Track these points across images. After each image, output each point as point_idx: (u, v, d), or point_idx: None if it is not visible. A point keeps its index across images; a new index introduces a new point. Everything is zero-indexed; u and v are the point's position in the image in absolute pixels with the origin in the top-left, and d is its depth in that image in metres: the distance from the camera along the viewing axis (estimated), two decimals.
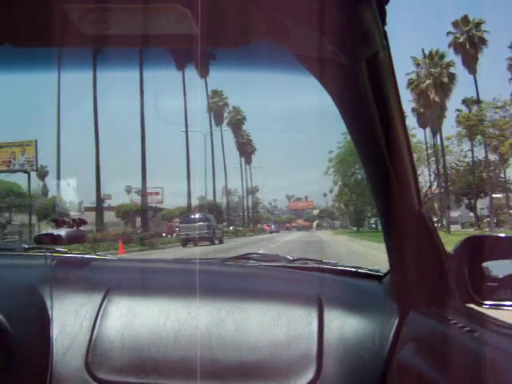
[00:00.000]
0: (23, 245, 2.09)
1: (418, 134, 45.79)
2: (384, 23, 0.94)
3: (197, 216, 30.86)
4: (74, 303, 1.53)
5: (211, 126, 55.99)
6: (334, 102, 1.17)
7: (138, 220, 40.05)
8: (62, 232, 1.81)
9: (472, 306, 1.32)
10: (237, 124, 67.94)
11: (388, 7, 0.91)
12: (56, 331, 1.47)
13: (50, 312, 1.49)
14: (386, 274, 1.67)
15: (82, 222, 1.92)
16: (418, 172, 45.01)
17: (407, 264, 1.38)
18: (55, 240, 1.82)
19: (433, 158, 46.26)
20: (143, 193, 41.05)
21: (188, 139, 45.43)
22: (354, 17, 0.90)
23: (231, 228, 54.60)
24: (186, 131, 45.29)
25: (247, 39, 0.95)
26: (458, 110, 45.28)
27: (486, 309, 1.30)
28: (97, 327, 1.48)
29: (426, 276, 1.35)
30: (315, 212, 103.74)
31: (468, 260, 1.34)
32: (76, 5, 0.89)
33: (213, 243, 27.58)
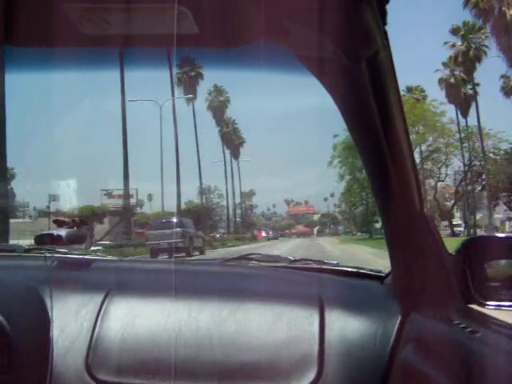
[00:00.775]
0: (23, 245, 2.09)
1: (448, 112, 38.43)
2: (384, 23, 0.93)
3: (169, 221, 25.77)
4: (75, 304, 1.53)
5: (174, 94, 45.04)
6: (335, 102, 1.16)
7: (103, 226, 34.11)
8: (62, 232, 1.81)
9: (474, 306, 1.31)
10: (219, 108, 57.12)
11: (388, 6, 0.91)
12: (56, 332, 1.46)
13: (50, 313, 1.49)
14: (387, 275, 1.66)
15: (83, 222, 1.92)
16: (447, 163, 39.51)
17: (409, 264, 1.38)
18: (55, 240, 1.82)
19: (466, 144, 38.97)
20: (110, 195, 37.04)
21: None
22: (355, 16, 0.89)
23: (211, 235, 46.39)
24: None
25: (247, 39, 0.95)
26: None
27: (488, 309, 1.29)
28: (97, 328, 1.47)
29: (427, 276, 1.35)
30: (316, 217, 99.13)
31: (470, 260, 1.34)
32: (76, 5, 0.89)
33: (189, 254, 21.87)
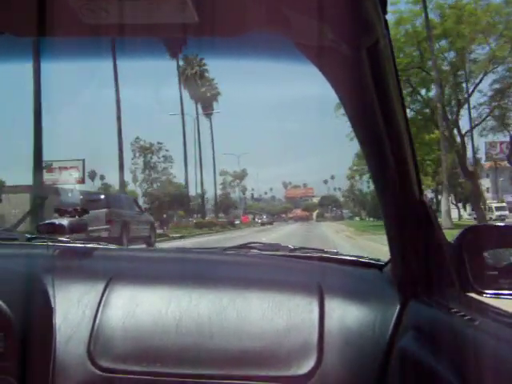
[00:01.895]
0: (26, 234, 2.10)
1: None
2: (385, 12, 0.93)
3: (96, 199, 17.88)
4: (77, 292, 1.54)
5: None
6: (335, 91, 1.16)
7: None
8: (64, 221, 1.81)
9: (472, 294, 1.32)
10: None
11: None
12: (58, 320, 1.48)
13: (52, 301, 1.50)
14: (386, 263, 1.67)
15: (84, 211, 1.93)
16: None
17: (408, 253, 1.39)
18: (57, 229, 1.82)
19: None
20: (49, 169, 27.67)
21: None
22: (355, 5, 0.89)
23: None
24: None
25: (247, 28, 0.95)
26: None
27: (487, 298, 1.30)
28: (99, 316, 1.49)
29: (426, 265, 1.36)
30: (315, 200, 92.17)
31: (468, 249, 1.35)
32: None
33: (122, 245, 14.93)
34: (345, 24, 0.95)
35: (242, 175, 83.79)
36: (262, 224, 59.03)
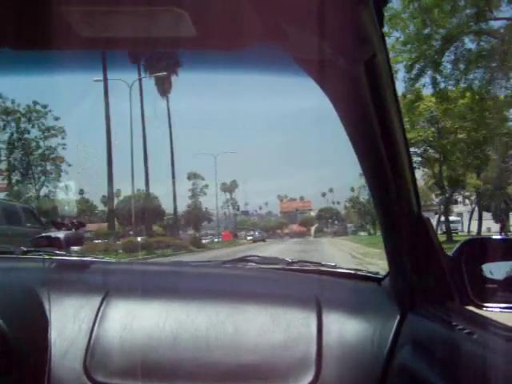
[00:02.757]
0: (21, 247, 2.09)
1: None
2: (381, 26, 0.94)
3: None
4: (73, 306, 1.53)
5: None
6: (333, 105, 1.17)
7: None
8: (61, 234, 1.81)
9: (471, 308, 1.32)
10: None
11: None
12: (54, 334, 1.46)
13: (48, 315, 1.49)
14: (385, 277, 1.67)
15: (81, 224, 1.92)
16: None
17: (406, 266, 1.38)
18: (53, 242, 1.81)
19: None
20: None
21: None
22: (352, 19, 0.90)
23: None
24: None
25: (245, 42, 0.95)
26: None
27: (486, 311, 1.30)
28: (95, 330, 1.47)
29: (425, 278, 1.35)
30: (313, 213, 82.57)
31: (467, 262, 1.34)
32: (74, 8, 0.89)
33: None
34: (342, 38, 0.95)
35: (231, 187, 77.01)
36: (254, 241, 52.63)
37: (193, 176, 61.38)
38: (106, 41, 0.98)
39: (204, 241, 43.77)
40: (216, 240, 51.77)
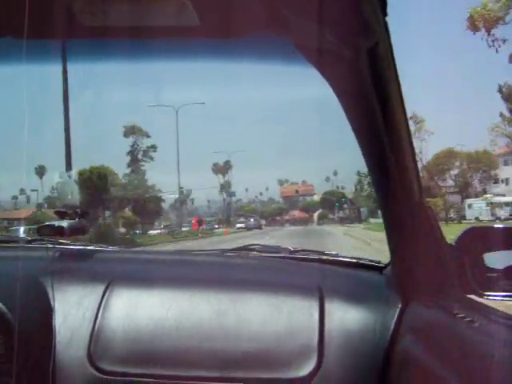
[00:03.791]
0: (26, 237, 2.10)
1: None
2: (385, 14, 0.93)
3: None
4: (77, 294, 1.54)
5: None
6: (335, 93, 1.16)
7: None
8: (64, 223, 1.81)
9: (473, 296, 1.32)
10: None
11: None
12: (58, 322, 1.47)
13: (52, 303, 1.50)
14: (386, 265, 1.67)
15: (84, 213, 1.93)
16: None
17: (408, 254, 1.39)
18: (57, 232, 1.82)
19: None
20: None
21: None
22: (355, 7, 0.89)
23: None
24: None
25: (247, 30, 0.95)
26: None
27: (487, 299, 1.30)
28: (99, 318, 1.48)
29: (426, 267, 1.36)
30: (316, 198, 71.37)
31: (469, 251, 1.35)
32: None
33: None
34: (344, 26, 0.95)
35: (224, 169, 63.72)
36: (248, 229, 47.00)
37: (130, 130, 39.31)
38: (108, 30, 0.98)
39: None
40: (175, 230, 41.64)
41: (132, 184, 40.09)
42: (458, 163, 45.24)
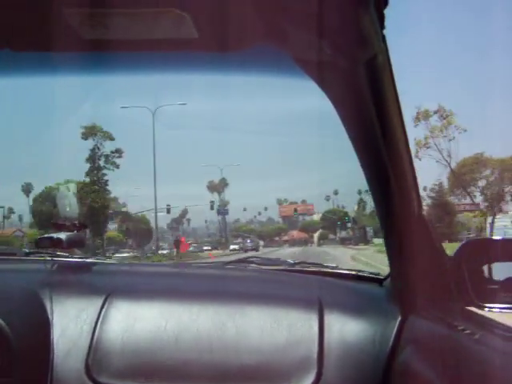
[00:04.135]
0: (24, 249, 2.09)
1: None
2: (382, 27, 0.94)
3: None
4: (75, 307, 1.53)
5: None
6: (333, 105, 1.17)
7: None
8: (62, 236, 1.81)
9: (472, 308, 1.32)
10: None
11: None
12: (56, 335, 1.47)
13: (50, 316, 1.49)
14: (386, 277, 1.67)
15: (82, 225, 1.93)
16: None
17: (408, 267, 1.39)
18: (55, 244, 1.82)
19: None
20: None
21: None
22: (353, 20, 0.90)
23: None
24: None
25: (246, 43, 0.95)
26: None
27: (486, 311, 1.30)
28: (97, 331, 1.48)
29: (426, 279, 1.35)
30: (316, 217, 68.61)
31: (468, 263, 1.34)
32: (76, 10, 0.89)
33: None
34: (342, 39, 0.95)
35: (219, 186, 59.70)
36: (245, 251, 43.25)
37: (89, 132, 35.49)
38: (108, 43, 0.98)
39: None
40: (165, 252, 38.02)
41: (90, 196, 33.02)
42: (488, 172, 36.83)
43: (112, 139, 35.74)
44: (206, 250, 44.59)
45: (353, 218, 53.26)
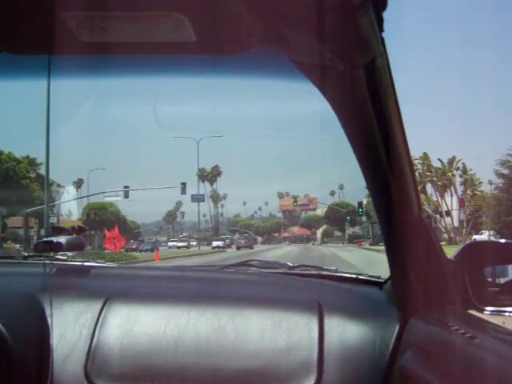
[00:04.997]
0: (23, 253, 2.09)
1: None
2: (381, 30, 0.94)
3: None
4: (74, 311, 1.53)
5: None
6: (333, 109, 1.17)
7: None
8: (62, 239, 1.80)
9: (473, 312, 1.31)
10: None
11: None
12: (55, 339, 1.46)
13: (49, 320, 1.48)
14: (386, 281, 1.66)
15: (81, 229, 1.92)
16: None
17: (408, 270, 1.38)
18: (55, 247, 1.81)
19: None
20: None
21: None
22: (352, 24, 0.90)
23: None
24: None
25: (245, 46, 0.95)
26: None
27: (487, 315, 1.29)
28: (96, 335, 1.47)
29: (426, 282, 1.35)
30: (320, 212, 60.66)
31: (468, 266, 1.34)
32: (74, 12, 0.89)
33: None
34: (341, 42, 0.95)
35: (212, 174, 54.26)
36: (238, 248, 42.29)
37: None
38: (106, 46, 0.98)
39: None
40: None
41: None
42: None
43: None
44: (150, 250, 39.60)
45: (365, 211, 45.27)
